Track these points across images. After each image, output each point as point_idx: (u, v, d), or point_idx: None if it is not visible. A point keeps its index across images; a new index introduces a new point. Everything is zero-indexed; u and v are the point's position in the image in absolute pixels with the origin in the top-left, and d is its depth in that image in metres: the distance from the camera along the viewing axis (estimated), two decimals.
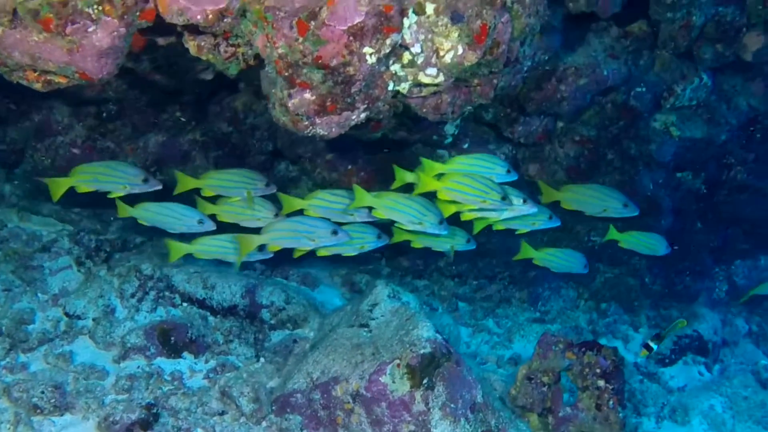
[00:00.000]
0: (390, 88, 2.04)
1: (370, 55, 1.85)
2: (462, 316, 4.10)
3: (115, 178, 2.96)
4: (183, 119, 3.42)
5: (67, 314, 3.17)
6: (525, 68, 2.50)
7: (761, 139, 3.69)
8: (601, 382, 2.90)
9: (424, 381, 2.52)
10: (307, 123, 1.98)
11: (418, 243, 3.38)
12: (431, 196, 2.94)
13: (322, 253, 3.20)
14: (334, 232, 2.94)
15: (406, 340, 2.65)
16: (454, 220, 3.14)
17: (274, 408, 2.79)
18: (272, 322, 3.44)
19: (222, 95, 3.50)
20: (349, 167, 3.77)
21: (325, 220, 2.99)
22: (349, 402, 2.60)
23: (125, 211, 3.03)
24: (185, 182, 3.11)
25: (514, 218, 3.29)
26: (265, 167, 3.85)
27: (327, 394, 2.65)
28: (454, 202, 2.93)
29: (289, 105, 1.94)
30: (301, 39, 1.81)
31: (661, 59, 3.25)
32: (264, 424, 2.78)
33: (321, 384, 2.68)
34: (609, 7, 2.77)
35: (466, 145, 3.50)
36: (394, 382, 2.54)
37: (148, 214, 3.05)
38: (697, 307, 4.41)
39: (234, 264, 3.17)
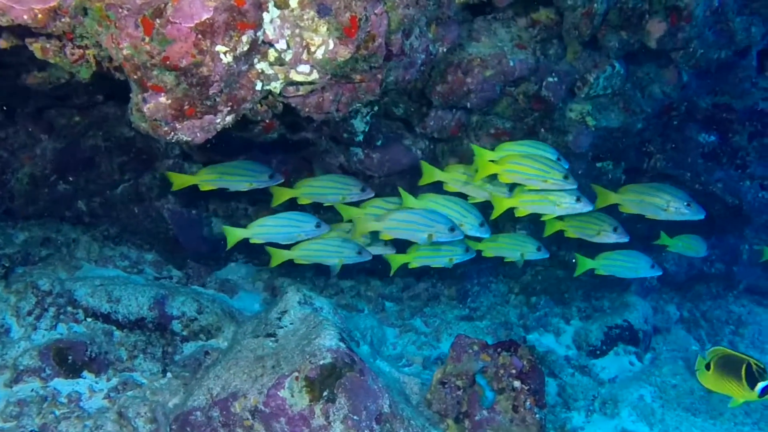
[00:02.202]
0: (258, 88, 1.90)
1: (225, 53, 1.71)
2: (389, 316, 4.00)
3: (240, 176, 3.02)
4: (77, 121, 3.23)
5: None
6: (419, 61, 2.38)
7: (678, 127, 3.65)
8: (517, 383, 2.81)
9: (324, 393, 2.41)
10: (167, 128, 1.83)
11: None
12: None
13: (413, 265, 3.32)
14: (452, 229, 2.95)
15: (307, 351, 2.52)
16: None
17: (173, 427, 2.64)
18: (184, 333, 3.29)
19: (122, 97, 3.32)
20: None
21: (445, 215, 3.01)
22: (248, 419, 2.47)
23: (236, 235, 3.12)
24: (281, 194, 3.18)
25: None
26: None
27: (226, 411, 2.52)
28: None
29: (145, 110, 1.79)
30: (147, 39, 1.66)
31: (573, 48, 3.17)
32: None
33: (220, 400, 2.54)
34: None
35: (379, 142, 3.39)
36: (293, 395, 2.42)
37: (263, 229, 3.11)
38: (627, 296, 4.37)
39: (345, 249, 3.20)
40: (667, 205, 3.14)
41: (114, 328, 3.19)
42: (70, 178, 3.57)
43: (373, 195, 3.22)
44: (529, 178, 2.90)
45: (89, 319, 3.18)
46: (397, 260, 3.36)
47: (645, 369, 4.00)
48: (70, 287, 3.23)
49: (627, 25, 2.88)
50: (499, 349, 2.86)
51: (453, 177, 3.21)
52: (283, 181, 3.12)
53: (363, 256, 3.24)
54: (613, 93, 3.31)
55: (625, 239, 3.36)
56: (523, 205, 3.10)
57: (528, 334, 4.13)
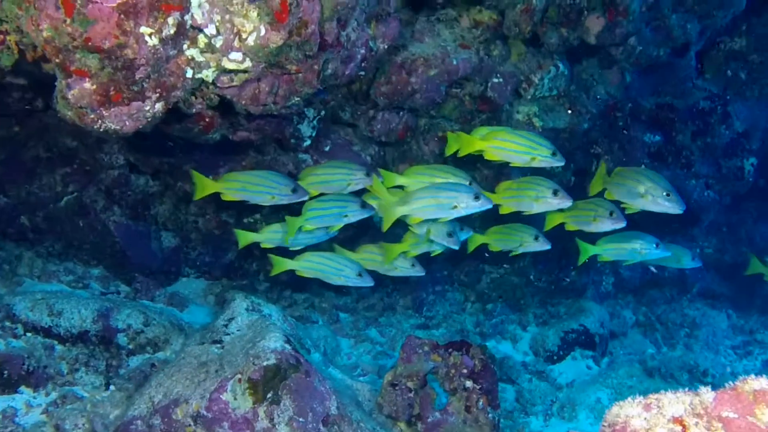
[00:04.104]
0: (189, 75, 1.86)
1: (150, 35, 1.68)
2: (343, 327, 3.94)
3: (263, 188, 2.92)
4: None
5: None
6: (359, 56, 2.37)
7: (623, 127, 3.70)
8: (469, 383, 2.77)
9: (269, 395, 2.34)
10: (93, 116, 1.78)
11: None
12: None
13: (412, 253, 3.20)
14: (477, 197, 2.80)
15: (251, 353, 2.45)
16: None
17: None
18: (130, 346, 3.19)
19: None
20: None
21: (464, 184, 2.91)
22: (190, 425, 2.38)
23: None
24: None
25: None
26: (121, 183, 3.61)
27: (167, 418, 2.43)
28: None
29: (70, 97, 1.74)
30: (68, 20, 1.62)
31: (517, 50, 3.20)
32: None
33: (161, 408, 2.45)
34: None
35: (327, 148, 3.37)
36: (235, 398, 2.34)
37: (273, 236, 3.10)
38: (583, 301, 4.38)
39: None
40: (644, 190, 2.84)
41: (55, 342, 3.09)
42: (11, 192, 3.46)
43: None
44: (516, 154, 2.84)
45: (29, 334, 3.07)
46: (395, 249, 3.24)
47: (602, 372, 4.00)
48: (9, 302, 3.12)
49: (566, 22, 2.92)
50: (450, 349, 2.82)
51: (413, 180, 3.14)
52: (307, 198, 3.00)
53: (363, 280, 3.17)
54: (559, 94, 3.35)
55: (621, 224, 3.05)
56: (504, 202, 3.03)
57: (485, 342, 4.10)
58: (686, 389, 1.22)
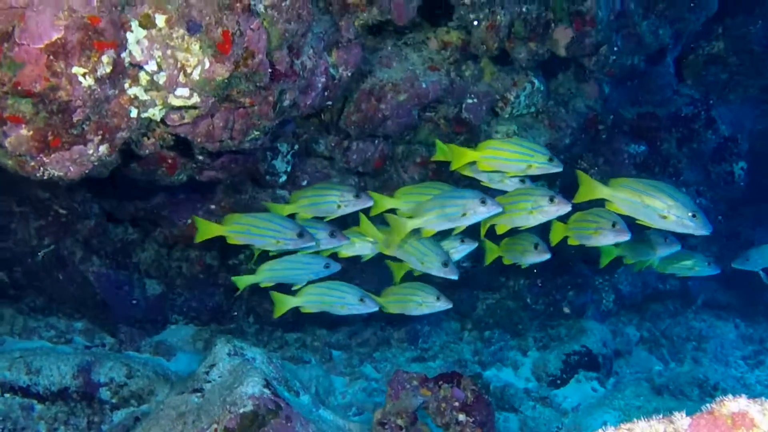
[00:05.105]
0: (133, 115, 1.79)
1: (84, 75, 1.61)
2: (337, 365, 3.82)
3: (268, 232, 2.84)
4: None
5: None
6: (319, 85, 2.30)
7: (606, 140, 3.61)
8: (462, 416, 2.64)
9: None
10: (34, 164, 1.71)
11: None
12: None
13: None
14: (483, 201, 2.67)
15: (228, 400, 2.35)
16: None
17: None
18: (113, 401, 3.09)
19: None
20: (189, 221, 3.49)
21: (470, 190, 2.77)
22: None
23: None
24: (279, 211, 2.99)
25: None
26: (98, 232, 3.53)
27: None
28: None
29: (6, 145, 1.67)
30: None
31: (489, 69, 3.14)
32: None
33: None
34: (404, 13, 2.63)
35: (305, 182, 3.29)
36: None
37: (272, 273, 3.00)
38: (584, 321, 4.25)
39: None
40: (667, 211, 2.53)
41: (34, 401, 2.99)
42: None
43: (371, 203, 2.97)
44: (510, 163, 2.70)
45: (6, 395, 2.96)
46: (402, 268, 3.14)
47: (608, 394, 3.85)
48: None
49: (534, 36, 2.85)
50: (440, 382, 2.69)
51: (404, 201, 3.01)
52: (313, 243, 2.91)
53: (366, 306, 3.06)
54: (537, 111, 3.27)
55: (625, 237, 2.77)
56: (497, 220, 2.86)
57: (485, 371, 3.97)
58: (668, 416, 1.11)
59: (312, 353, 3.85)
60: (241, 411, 2.26)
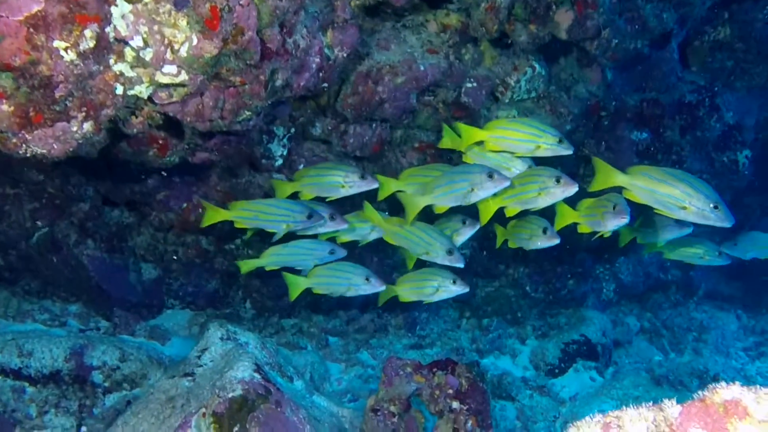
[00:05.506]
0: (119, 92, 1.75)
1: (66, 50, 1.56)
2: (333, 351, 3.78)
3: (277, 216, 2.81)
4: None
5: None
6: (314, 65, 2.25)
7: (609, 127, 3.55)
8: (456, 404, 2.60)
9: (235, 429, 2.19)
10: (16, 141, 1.67)
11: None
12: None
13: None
14: (490, 176, 2.63)
15: (217, 385, 2.31)
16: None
17: None
18: (106, 384, 3.07)
19: None
20: (185, 205, 3.46)
21: (478, 165, 2.73)
22: None
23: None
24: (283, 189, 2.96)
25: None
26: (94, 216, 3.50)
27: None
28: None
29: None
30: None
31: (490, 53, 3.08)
32: None
33: None
34: None
35: (301, 166, 3.24)
36: None
37: (277, 258, 2.99)
38: (584, 310, 4.20)
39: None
40: (687, 201, 2.44)
41: (26, 384, 2.96)
42: None
43: (376, 185, 2.92)
44: (519, 143, 2.64)
45: None
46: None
47: (606, 383, 3.81)
48: None
49: (535, 18, 2.79)
50: (434, 369, 2.66)
51: (410, 183, 2.96)
52: (323, 221, 2.90)
53: (372, 285, 3.04)
54: (538, 96, 3.21)
55: (624, 220, 2.70)
56: (507, 203, 2.79)
57: (483, 359, 3.94)
58: (658, 403, 1.06)
59: (308, 339, 3.82)
60: (230, 395, 2.22)
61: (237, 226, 2.93)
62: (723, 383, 0.96)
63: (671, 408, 0.96)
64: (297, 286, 3.07)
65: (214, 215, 2.91)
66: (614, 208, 2.72)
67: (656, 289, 4.62)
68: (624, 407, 1.00)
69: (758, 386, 0.93)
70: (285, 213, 2.83)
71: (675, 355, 4.26)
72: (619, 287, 4.46)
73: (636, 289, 4.53)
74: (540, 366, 3.93)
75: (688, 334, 4.41)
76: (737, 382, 0.96)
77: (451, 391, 2.61)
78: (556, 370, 3.91)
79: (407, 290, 3.15)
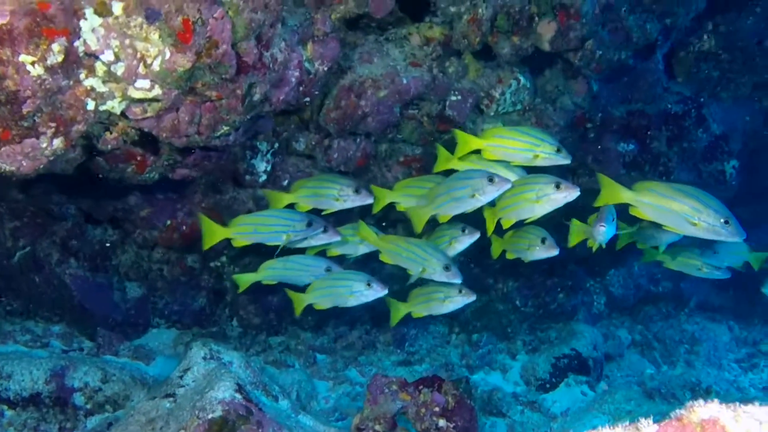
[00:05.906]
0: (90, 108, 1.71)
1: (33, 64, 1.53)
2: (320, 369, 3.73)
3: (277, 227, 2.76)
4: None
5: None
6: (293, 79, 2.22)
7: (595, 139, 3.54)
8: (442, 422, 2.55)
9: None
10: None
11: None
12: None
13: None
14: (491, 179, 2.58)
15: (198, 405, 2.26)
16: None
17: None
18: (88, 406, 3.01)
19: None
20: (168, 222, 3.42)
21: (477, 170, 2.69)
22: None
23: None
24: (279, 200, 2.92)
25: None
26: (76, 234, 3.46)
27: None
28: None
29: None
30: None
31: (474, 66, 3.06)
32: None
33: None
34: (381, 6, 2.55)
35: (285, 182, 3.21)
36: None
37: (273, 272, 2.97)
38: (574, 324, 4.17)
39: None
40: (697, 217, 2.36)
41: (5, 407, 2.91)
42: None
43: (371, 200, 2.90)
44: (516, 152, 2.60)
45: None
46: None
47: (598, 398, 3.77)
48: None
49: (517, 30, 2.77)
50: (420, 386, 2.61)
51: (404, 194, 2.94)
52: (323, 229, 2.86)
53: (374, 291, 2.98)
54: (524, 108, 3.20)
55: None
56: (502, 214, 2.74)
57: (473, 375, 3.89)
58: (634, 422, 1.03)
59: (296, 357, 3.76)
60: (210, 417, 2.17)
61: (235, 245, 2.88)
62: (701, 401, 0.92)
63: (647, 427, 0.93)
64: (301, 301, 3.04)
65: (214, 235, 2.84)
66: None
67: (647, 301, 4.59)
68: (599, 427, 0.96)
69: (737, 403, 0.90)
70: (285, 223, 2.78)
71: (667, 367, 4.22)
72: (610, 300, 4.43)
73: (627, 302, 4.50)
74: (531, 381, 3.89)
75: (680, 347, 4.37)
76: (716, 400, 0.93)
77: (437, 409, 2.56)
78: (547, 385, 3.86)
79: (419, 306, 3.14)
